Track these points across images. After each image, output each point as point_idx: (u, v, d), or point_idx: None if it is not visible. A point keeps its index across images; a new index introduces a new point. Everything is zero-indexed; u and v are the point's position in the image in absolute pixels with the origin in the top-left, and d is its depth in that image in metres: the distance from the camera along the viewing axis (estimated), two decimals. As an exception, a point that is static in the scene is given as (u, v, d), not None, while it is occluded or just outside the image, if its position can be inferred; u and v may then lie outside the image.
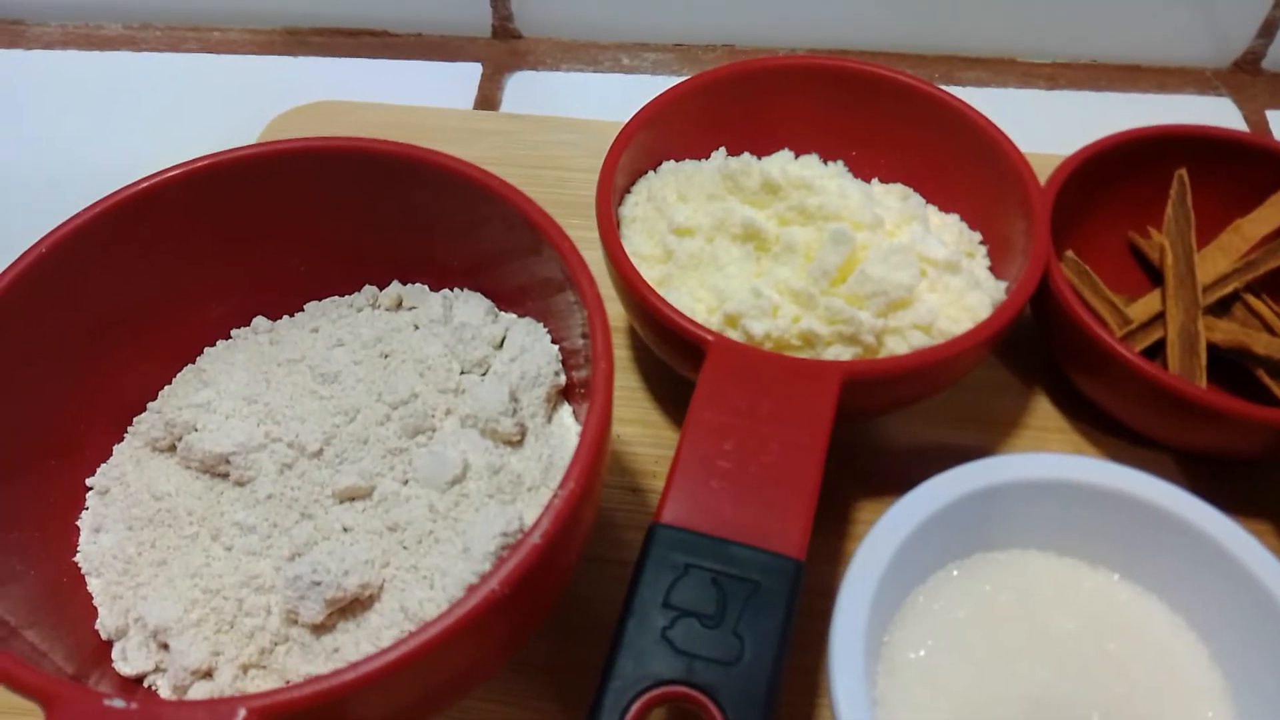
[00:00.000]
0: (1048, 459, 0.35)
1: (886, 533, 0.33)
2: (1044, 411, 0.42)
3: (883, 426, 0.42)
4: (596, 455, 0.27)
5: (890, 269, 0.36)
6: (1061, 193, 0.42)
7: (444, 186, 0.34)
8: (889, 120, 0.44)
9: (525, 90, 0.59)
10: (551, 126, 0.54)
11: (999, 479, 0.34)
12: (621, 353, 0.44)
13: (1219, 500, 0.39)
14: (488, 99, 0.58)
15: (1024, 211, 0.39)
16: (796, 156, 0.45)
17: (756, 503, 0.31)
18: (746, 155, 0.42)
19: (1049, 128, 0.56)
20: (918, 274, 0.36)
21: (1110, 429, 0.41)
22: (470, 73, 0.60)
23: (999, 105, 0.58)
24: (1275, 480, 0.39)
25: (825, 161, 0.45)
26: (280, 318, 0.38)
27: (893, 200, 0.43)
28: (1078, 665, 0.33)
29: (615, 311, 0.39)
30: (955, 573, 0.35)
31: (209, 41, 0.61)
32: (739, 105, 0.45)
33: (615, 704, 0.27)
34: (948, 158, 0.43)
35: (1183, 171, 0.44)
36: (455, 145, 0.53)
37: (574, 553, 0.28)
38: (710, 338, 0.35)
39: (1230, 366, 0.41)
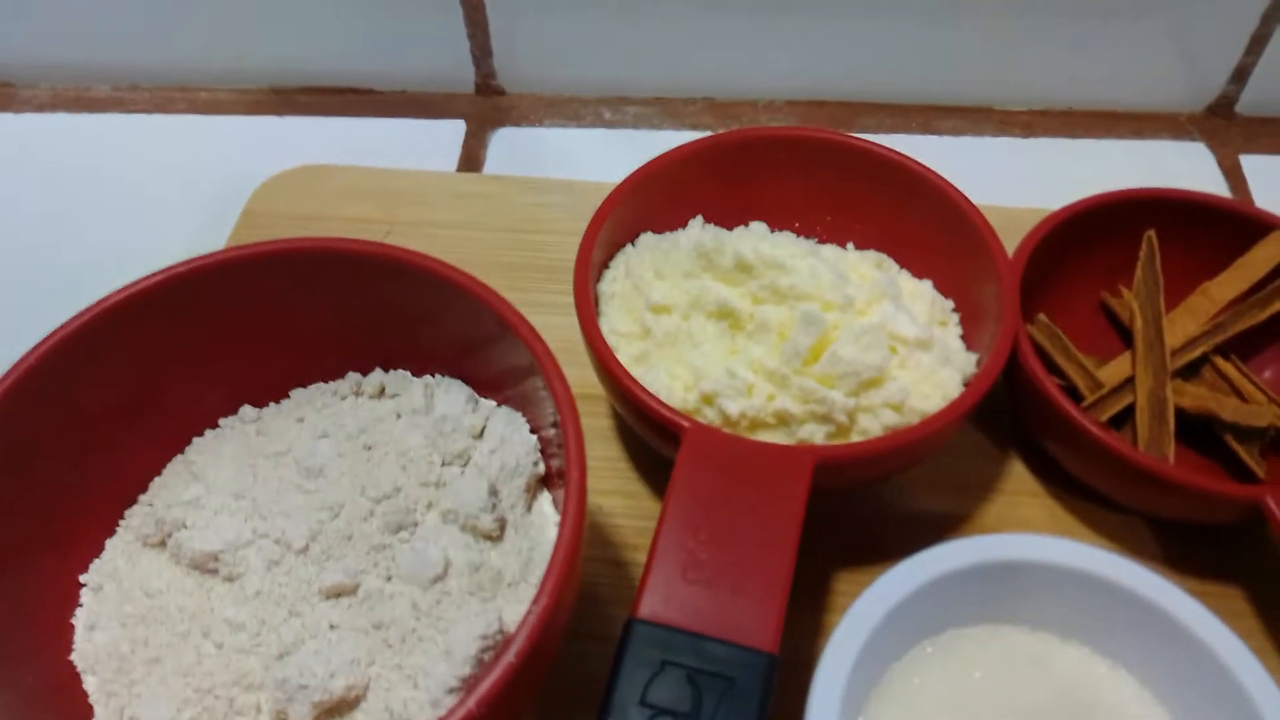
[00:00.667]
0: (1024, 540, 0.35)
1: (863, 613, 0.33)
2: (1017, 476, 0.43)
3: (857, 493, 0.42)
4: (569, 566, 0.27)
5: (861, 350, 0.37)
6: (1033, 257, 0.43)
7: (412, 280, 0.35)
8: (862, 189, 0.45)
9: (509, 146, 0.60)
10: (534, 188, 0.55)
11: (978, 559, 0.35)
12: (602, 422, 0.45)
13: (1190, 565, 0.41)
14: (472, 156, 0.59)
15: (993, 281, 0.40)
16: (772, 229, 0.45)
17: (730, 596, 0.32)
18: (719, 233, 0.43)
19: (1026, 175, 0.58)
20: (888, 353, 0.37)
21: (1082, 494, 0.42)
22: (455, 130, 0.61)
23: (976, 154, 0.59)
24: (1246, 546, 0.40)
25: (799, 236, 0.46)
26: (267, 404, 0.38)
27: (866, 267, 0.44)
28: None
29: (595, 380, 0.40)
30: (930, 649, 0.36)
31: (197, 102, 0.62)
32: (716, 176, 0.45)
33: (593, 806, 0.28)
34: (919, 226, 0.44)
35: (1151, 234, 0.45)
36: (439, 209, 0.55)
37: (551, 655, 0.29)
38: (686, 424, 0.35)
39: (1199, 427, 0.42)
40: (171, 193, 0.56)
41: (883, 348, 0.37)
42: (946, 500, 0.43)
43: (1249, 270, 0.43)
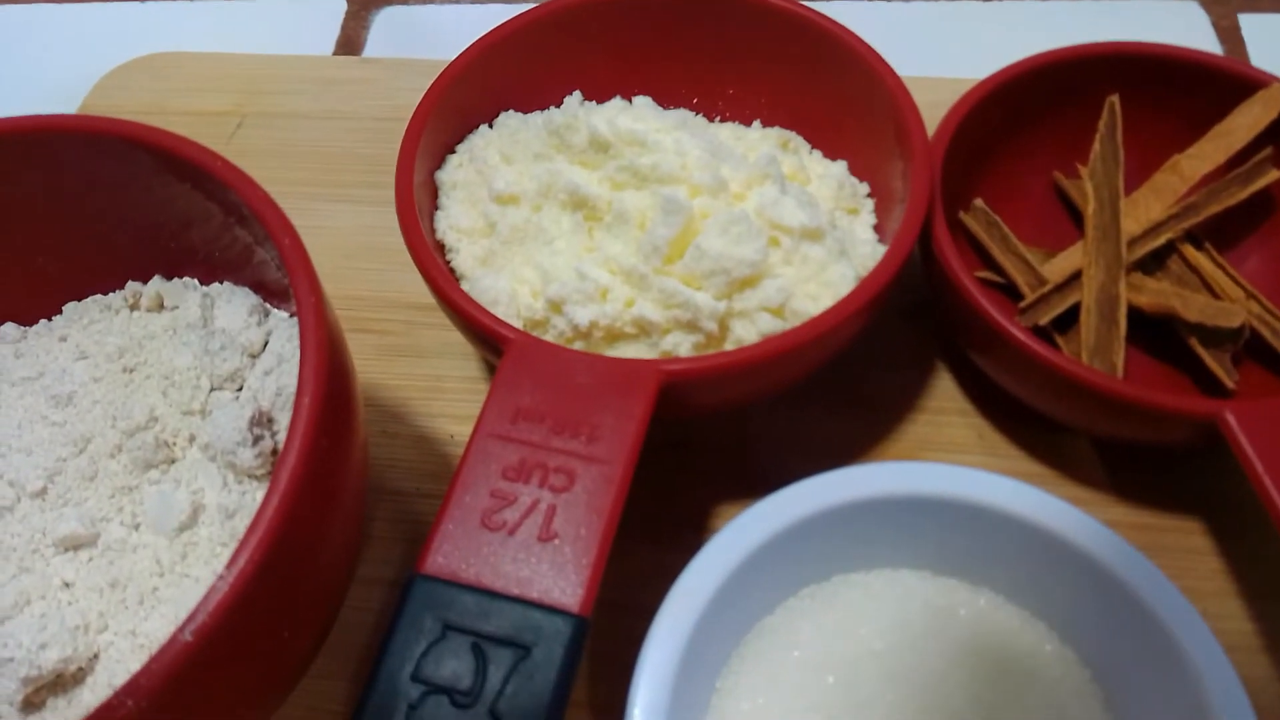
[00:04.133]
0: (915, 469, 0.29)
1: (714, 558, 0.27)
2: (943, 391, 0.37)
3: (745, 413, 0.36)
4: (293, 496, 0.21)
5: (731, 242, 0.30)
6: (965, 131, 0.35)
7: (174, 169, 0.28)
8: (769, 56, 0.38)
9: (394, 27, 0.53)
10: (409, 71, 0.48)
11: (856, 495, 0.29)
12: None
13: (1141, 494, 0.34)
14: (351, 39, 0.52)
15: (903, 155, 0.33)
16: (666, 107, 0.38)
17: (537, 547, 0.26)
18: (576, 105, 0.36)
19: (986, 42, 0.50)
20: (764, 246, 0.31)
21: (1017, 412, 0.35)
22: (334, 11, 0.53)
23: (925, 19, 0.51)
24: (1202, 468, 0.34)
25: (696, 114, 0.39)
26: (37, 321, 0.32)
27: (767, 147, 0.37)
28: (950, 712, 0.28)
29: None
30: (809, 600, 0.30)
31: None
32: (597, 43, 0.38)
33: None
34: (833, 99, 0.37)
35: (1114, 99, 0.37)
36: (302, 98, 0.48)
37: (309, 591, 0.24)
38: (510, 335, 0.29)
39: (1163, 331, 0.35)
40: (5, 89, 0.50)
41: (758, 239, 0.30)
42: (859, 421, 0.36)
43: (1227, 140, 0.35)
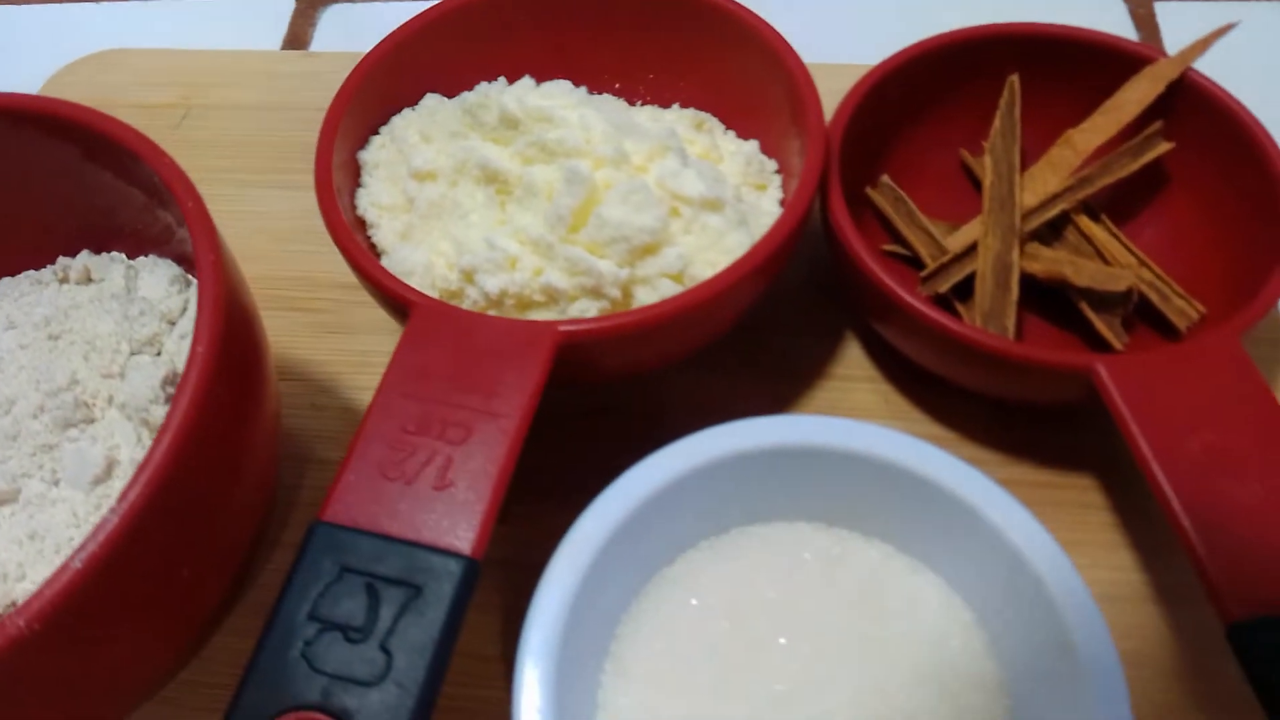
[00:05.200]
0: (808, 422, 0.30)
1: (605, 508, 0.29)
2: (852, 359, 0.38)
3: (659, 381, 0.37)
4: (172, 457, 0.23)
5: (630, 211, 0.32)
6: (870, 110, 0.37)
7: (92, 144, 0.29)
8: (686, 43, 0.40)
9: (341, 24, 0.54)
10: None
11: (750, 445, 0.30)
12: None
13: (1037, 453, 0.35)
14: (298, 36, 0.54)
15: (800, 133, 0.34)
16: (592, 91, 0.40)
17: (433, 495, 0.27)
18: (485, 85, 0.37)
19: (900, 29, 0.51)
20: (664, 214, 0.32)
21: (921, 378, 0.36)
22: (282, 9, 0.55)
23: (849, 8, 0.52)
24: (1096, 427, 0.35)
25: (618, 98, 0.40)
26: (-29, 296, 0.34)
27: (683, 128, 0.38)
28: (839, 653, 0.29)
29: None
30: (707, 551, 0.31)
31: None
32: (522, 31, 0.40)
33: (236, 737, 0.24)
34: (743, 82, 0.38)
35: (1014, 78, 0.39)
36: (247, 90, 0.49)
37: (194, 551, 0.25)
38: (414, 299, 0.30)
39: (1061, 299, 0.36)
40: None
41: (656, 208, 0.32)
42: (772, 387, 0.37)
43: (1117, 114, 0.37)
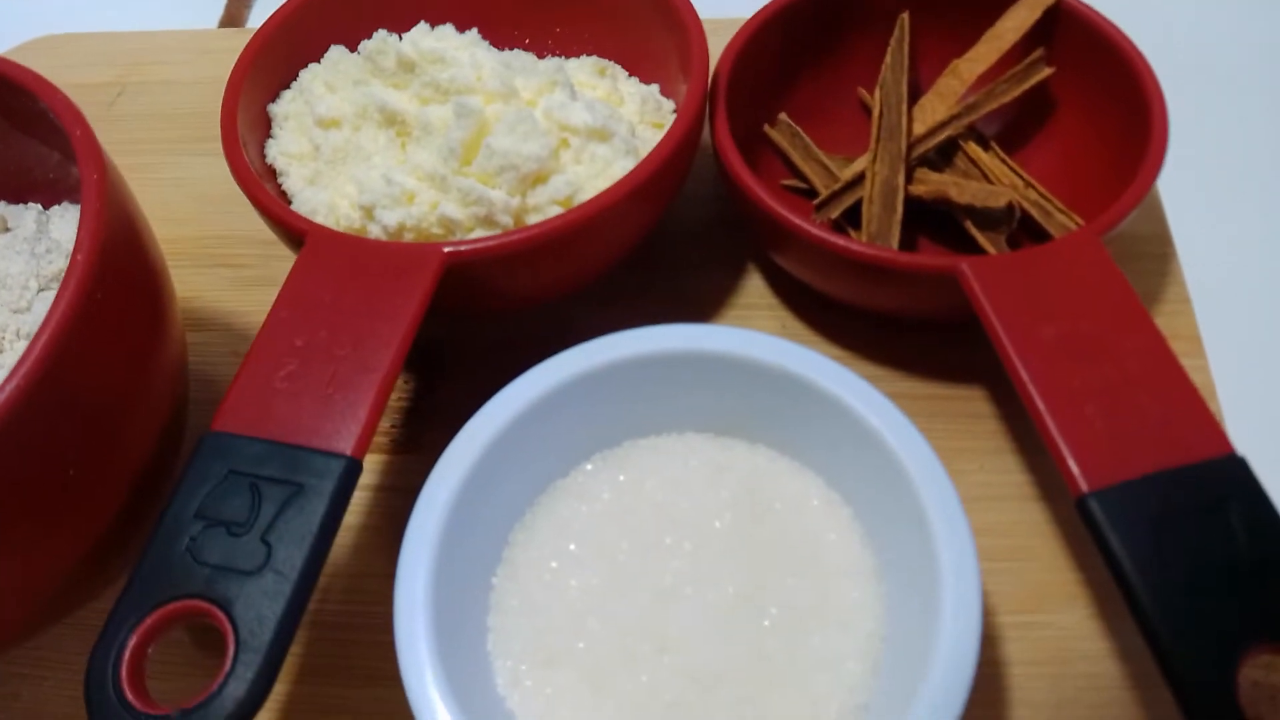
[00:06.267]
0: (695, 330, 0.31)
1: (493, 409, 0.30)
2: (754, 289, 0.39)
3: (571, 314, 0.39)
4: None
5: (517, 140, 0.33)
6: (760, 51, 0.38)
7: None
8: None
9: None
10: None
11: (639, 350, 0.31)
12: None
13: (929, 369, 0.37)
14: (234, 18, 0.55)
15: (685, 72, 0.36)
16: (500, 47, 0.41)
17: (318, 402, 0.28)
18: (384, 32, 0.38)
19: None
20: (550, 144, 0.33)
21: (816, 303, 0.38)
22: (219, -9, 0.57)
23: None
24: (988, 343, 0.36)
25: (527, 51, 0.42)
26: (-101, 253, 0.35)
27: (585, 74, 0.40)
28: (724, 546, 0.30)
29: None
30: (600, 462, 0.32)
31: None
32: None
33: (122, 622, 0.25)
34: (640, 27, 0.40)
35: (905, 15, 0.40)
36: (182, 68, 0.51)
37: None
38: (307, 228, 0.32)
39: (950, 223, 0.38)
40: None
41: (543, 137, 0.33)
42: (677, 317, 0.38)
43: (997, 42, 0.38)
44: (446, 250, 0.31)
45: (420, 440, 0.36)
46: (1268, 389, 0.37)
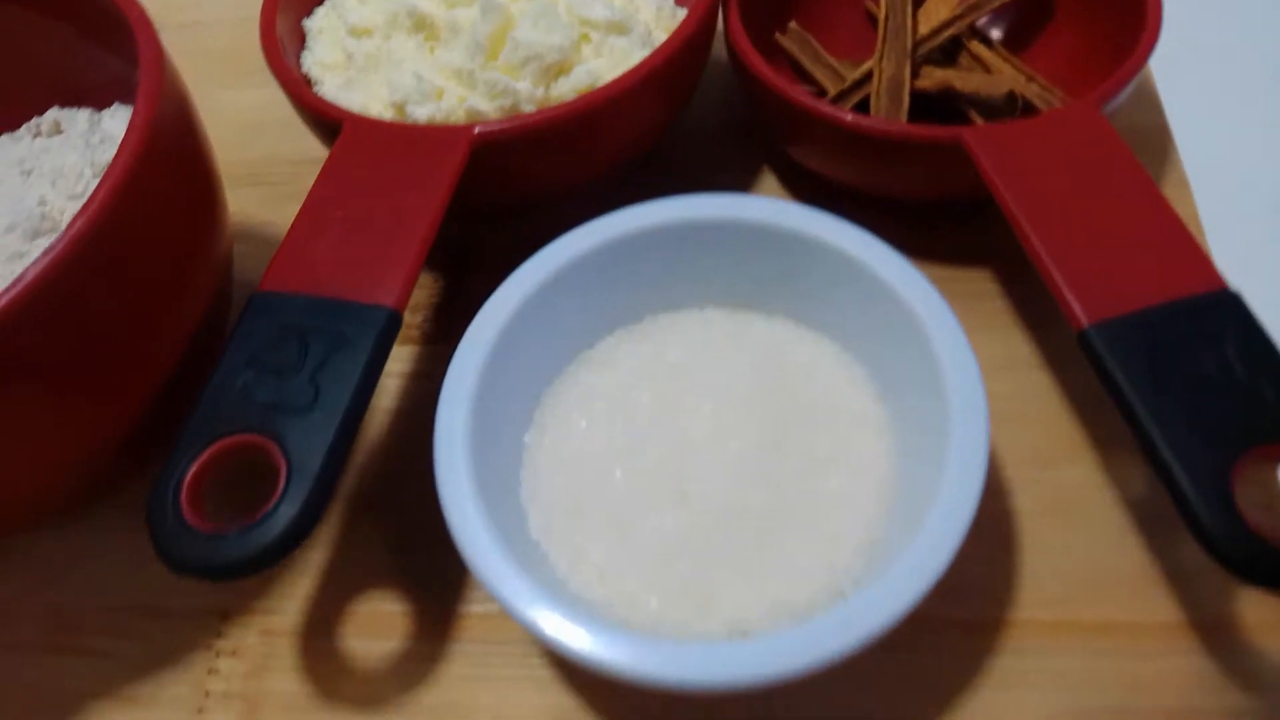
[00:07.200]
0: (709, 199, 0.33)
1: (522, 275, 0.32)
2: (765, 187, 0.41)
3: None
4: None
5: (541, 32, 0.35)
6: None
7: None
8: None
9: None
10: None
11: (660, 220, 0.33)
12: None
13: (939, 252, 0.38)
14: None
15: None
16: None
17: (360, 262, 0.30)
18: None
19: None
20: (572, 35, 0.35)
21: (831, 196, 0.39)
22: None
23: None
24: (992, 228, 0.37)
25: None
26: (-43, 161, 0.37)
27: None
28: (743, 405, 0.31)
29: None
30: (623, 335, 0.34)
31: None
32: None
33: (182, 455, 0.27)
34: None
35: (909, -76, 0.42)
36: (218, 8, 0.53)
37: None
38: (343, 116, 0.34)
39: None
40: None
41: (564, 29, 0.35)
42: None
43: (1000, -57, 0.40)
44: (477, 130, 0.32)
45: (449, 331, 0.38)
46: (1265, 274, 0.38)
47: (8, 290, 0.24)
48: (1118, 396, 0.27)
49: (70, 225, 0.25)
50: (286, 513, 0.25)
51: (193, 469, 0.26)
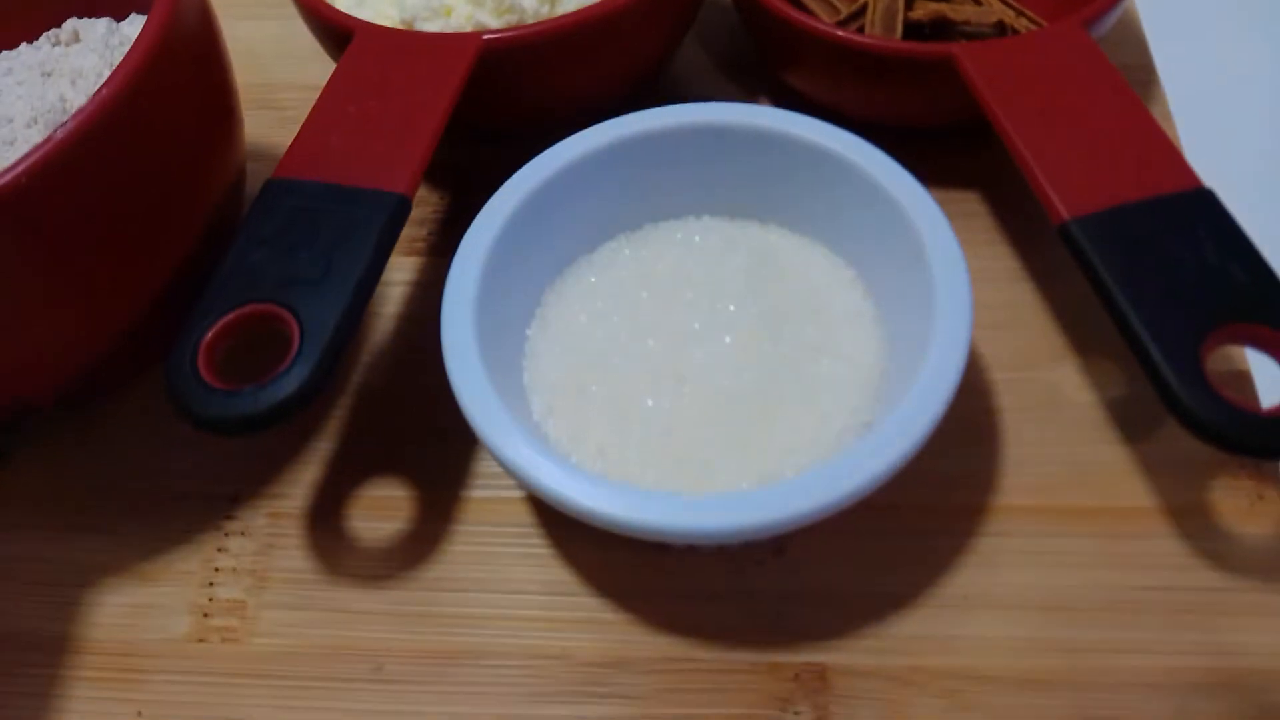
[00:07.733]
0: (702, 106, 0.34)
1: (528, 170, 0.33)
2: (764, 115, 0.42)
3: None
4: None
5: (547, -50, 0.36)
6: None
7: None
8: None
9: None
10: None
11: (657, 124, 0.34)
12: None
13: (931, 175, 0.39)
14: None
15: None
16: None
17: (370, 151, 0.31)
18: None
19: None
20: (576, -47, 0.36)
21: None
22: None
23: None
24: (984, 152, 0.39)
25: None
26: (-23, 70, 0.38)
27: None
28: (737, 302, 0.33)
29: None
30: (623, 241, 0.35)
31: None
32: None
33: (198, 321, 0.28)
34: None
35: None
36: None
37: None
38: (354, 24, 0.35)
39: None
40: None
41: (571, -54, 0.36)
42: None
43: (991, -119, 0.41)
44: (485, 37, 0.34)
45: (452, 244, 0.39)
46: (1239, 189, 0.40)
47: (36, 149, 0.25)
48: (1097, 282, 0.28)
49: (97, 93, 0.26)
50: (300, 372, 0.27)
51: (210, 333, 0.27)
